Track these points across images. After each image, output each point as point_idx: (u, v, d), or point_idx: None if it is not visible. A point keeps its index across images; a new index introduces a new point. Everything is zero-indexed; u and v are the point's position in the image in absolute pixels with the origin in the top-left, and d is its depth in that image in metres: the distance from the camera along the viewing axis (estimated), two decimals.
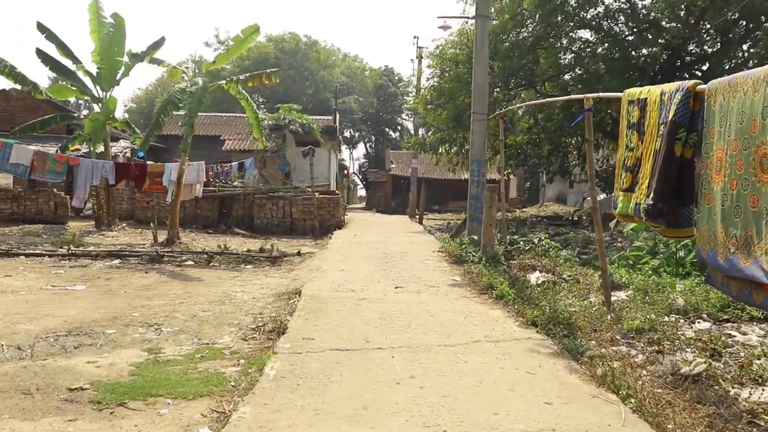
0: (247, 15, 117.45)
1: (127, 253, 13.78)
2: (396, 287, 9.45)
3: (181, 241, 17.04)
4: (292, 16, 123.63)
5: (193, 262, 13.21)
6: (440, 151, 28.10)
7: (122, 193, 22.94)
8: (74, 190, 17.99)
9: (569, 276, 10.16)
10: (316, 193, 21.70)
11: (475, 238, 12.83)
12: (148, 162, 21.69)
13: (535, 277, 10.26)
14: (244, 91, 17.06)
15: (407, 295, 8.80)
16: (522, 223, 23.92)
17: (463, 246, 12.93)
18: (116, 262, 12.92)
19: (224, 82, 16.08)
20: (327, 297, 8.52)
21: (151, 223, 17.33)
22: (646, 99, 5.81)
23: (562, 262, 11.31)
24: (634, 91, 6.16)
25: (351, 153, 75.75)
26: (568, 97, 9.18)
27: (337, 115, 34.66)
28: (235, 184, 22.95)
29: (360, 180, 66.74)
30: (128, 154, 26.79)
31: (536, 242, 12.69)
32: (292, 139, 23.74)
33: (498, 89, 22.08)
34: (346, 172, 57.57)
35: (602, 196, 26.71)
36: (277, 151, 25.42)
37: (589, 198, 27.72)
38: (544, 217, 28.18)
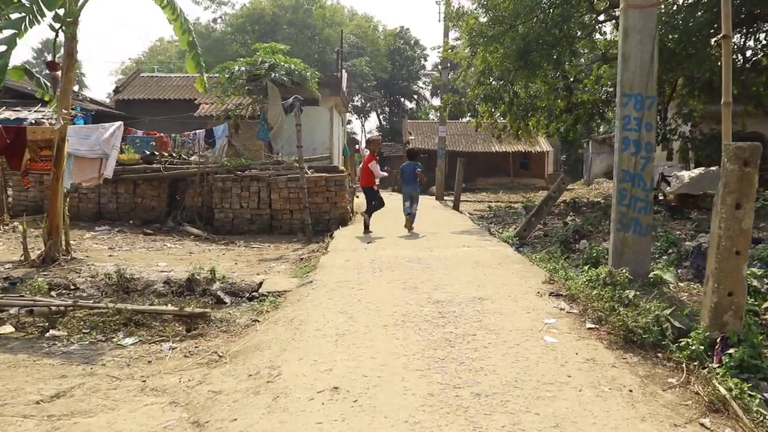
0: None
1: None
2: None
3: (71, 256, 9.91)
4: None
5: (13, 329, 6.02)
6: (482, 112, 20.63)
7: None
8: None
9: None
10: (309, 171, 14.33)
11: (663, 276, 5.54)
12: (28, 125, 14.36)
13: None
14: None
15: None
16: (604, 211, 16.47)
17: (617, 284, 5.66)
18: None
19: None
20: None
21: (20, 225, 10.09)
22: None
23: None
24: None
25: (363, 124, 68.28)
26: None
27: (344, 70, 27.17)
28: (192, 159, 15.65)
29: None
30: (54, 122, 19.51)
31: None
32: (277, 93, 16.37)
33: None
34: (357, 147, 50.27)
35: (685, 173, 19.13)
36: (258, 114, 17.95)
37: (674, 174, 20.13)
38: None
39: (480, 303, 5.98)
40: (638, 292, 5.38)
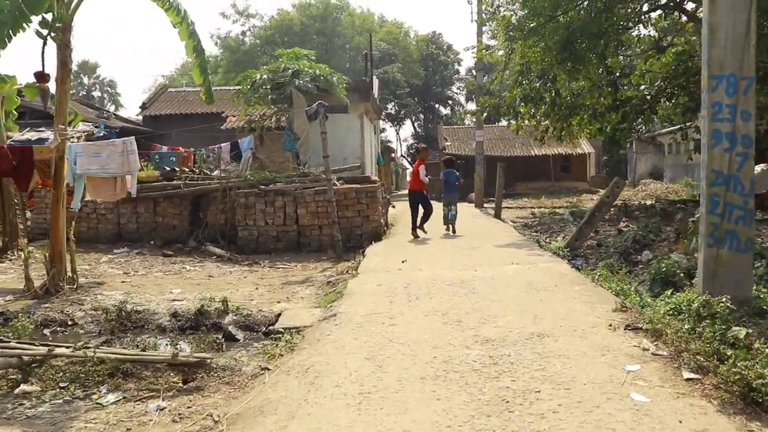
0: None
1: None
2: None
3: (77, 284, 9.03)
4: None
5: None
6: (522, 114, 19.35)
7: (45, 197, 15.04)
8: None
9: None
10: (338, 182, 13.30)
11: None
12: (34, 144, 13.58)
13: None
14: None
15: None
16: (662, 215, 15.06)
17: (717, 316, 4.44)
18: None
19: None
20: None
21: (22, 254, 9.23)
22: None
23: None
24: None
25: (398, 132, 67.28)
26: None
27: (375, 77, 26.18)
28: (215, 174, 14.76)
29: (409, 163, 58.31)
30: (78, 139, 18.86)
31: None
32: (303, 101, 15.36)
33: None
34: (393, 156, 49.23)
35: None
36: (284, 124, 16.98)
37: None
38: (676, 202, 19.17)
39: (540, 342, 4.82)
40: (750, 330, 4.16)
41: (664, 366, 4.19)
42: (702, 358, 4.03)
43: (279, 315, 6.88)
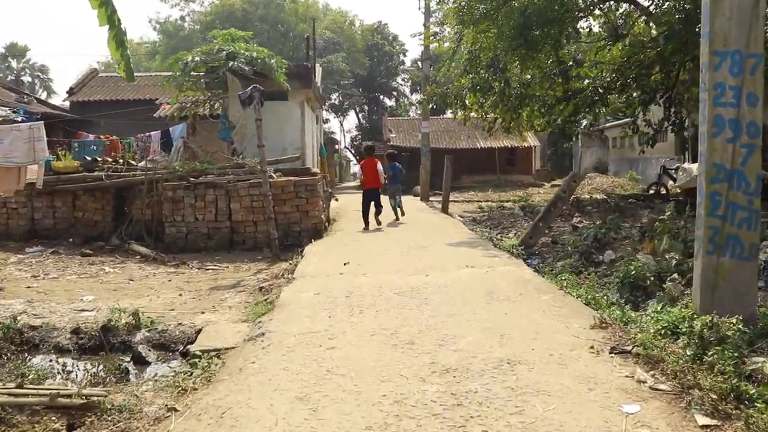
0: None
1: None
2: None
3: None
4: None
5: None
6: (470, 104, 18.69)
7: None
8: None
9: None
10: (275, 174, 12.25)
11: None
12: None
13: None
14: None
15: None
16: (616, 211, 14.46)
17: (727, 342, 3.66)
18: None
19: None
20: None
21: None
22: None
23: None
24: None
25: (342, 124, 66.18)
26: None
27: (318, 65, 25.09)
28: (141, 164, 13.49)
29: (353, 155, 57.27)
30: None
31: None
32: (238, 85, 14.11)
33: None
34: (336, 147, 48.07)
35: (693, 166, 17.15)
36: (219, 112, 15.81)
37: (681, 167, 18.11)
38: (627, 196, 18.75)
39: (511, 371, 3.95)
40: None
41: (668, 406, 3.37)
42: (717, 397, 3.22)
43: (199, 331, 5.84)
